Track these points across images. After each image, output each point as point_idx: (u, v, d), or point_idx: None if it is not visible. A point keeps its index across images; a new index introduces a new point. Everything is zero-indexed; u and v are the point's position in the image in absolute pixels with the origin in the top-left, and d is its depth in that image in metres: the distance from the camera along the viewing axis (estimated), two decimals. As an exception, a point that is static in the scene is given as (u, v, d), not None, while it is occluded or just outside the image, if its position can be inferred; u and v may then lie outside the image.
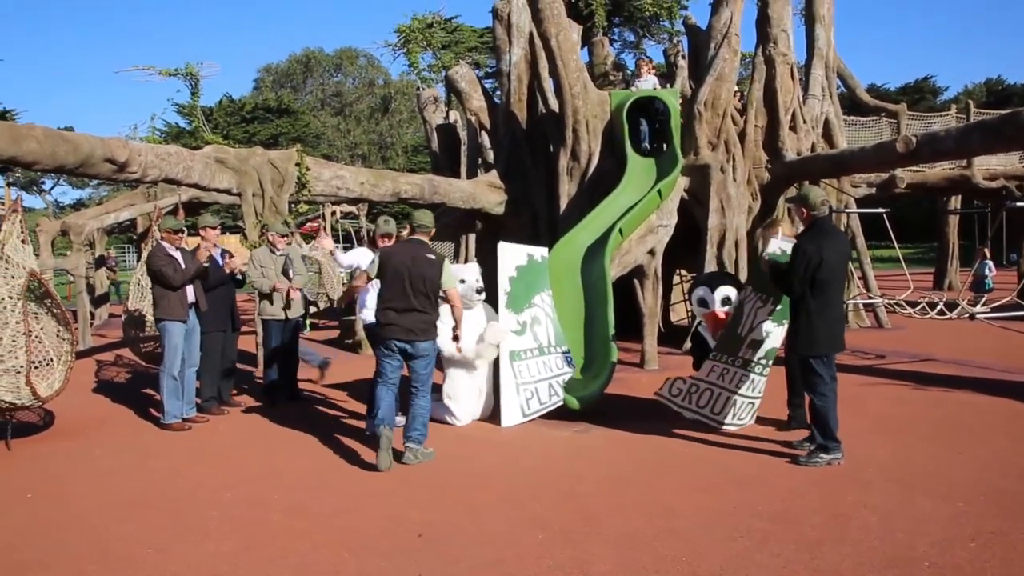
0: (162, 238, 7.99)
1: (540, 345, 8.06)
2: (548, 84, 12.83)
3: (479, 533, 4.86)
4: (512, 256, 8.18)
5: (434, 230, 6.99)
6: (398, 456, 6.42)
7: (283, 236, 8.97)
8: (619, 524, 4.94)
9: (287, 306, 8.78)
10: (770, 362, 7.11)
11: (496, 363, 7.85)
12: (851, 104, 20.65)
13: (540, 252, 8.50)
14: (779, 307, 6.91)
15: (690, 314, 12.85)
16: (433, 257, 6.61)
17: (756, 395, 7.19)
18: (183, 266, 7.79)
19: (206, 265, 8.04)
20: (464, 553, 4.55)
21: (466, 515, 5.18)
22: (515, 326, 7.90)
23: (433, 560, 4.47)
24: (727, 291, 7.64)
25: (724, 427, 7.15)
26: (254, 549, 4.71)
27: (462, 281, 7.86)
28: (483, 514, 5.20)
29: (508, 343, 7.75)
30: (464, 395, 7.79)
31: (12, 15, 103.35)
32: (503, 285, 7.95)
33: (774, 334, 7.01)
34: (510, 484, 5.83)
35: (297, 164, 10.53)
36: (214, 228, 8.55)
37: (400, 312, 6.51)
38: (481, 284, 7.97)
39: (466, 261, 13.94)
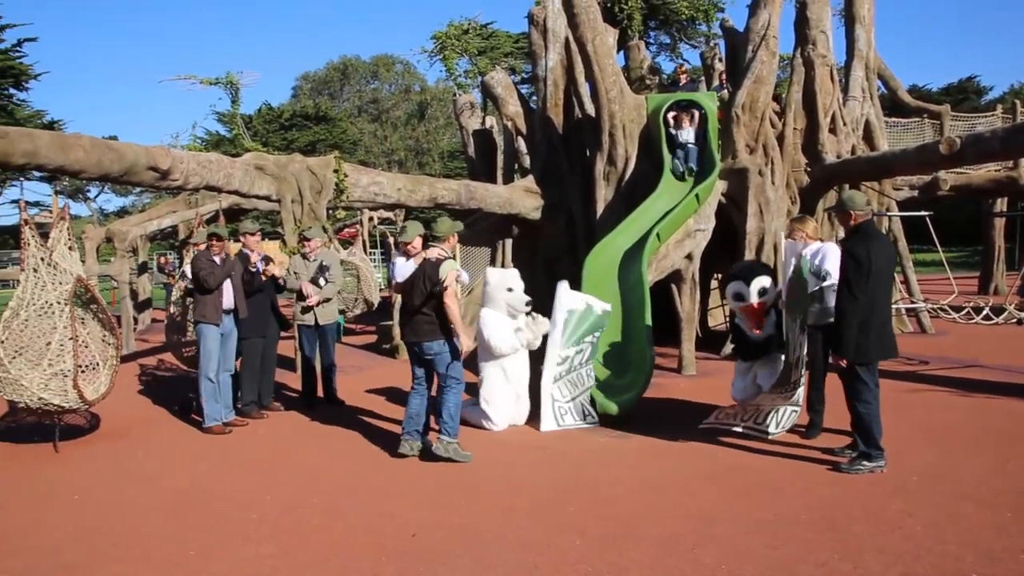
0: (209, 246, 8.14)
1: (574, 368, 8.01)
2: (584, 88, 12.83)
3: (516, 538, 4.86)
4: (570, 300, 8.03)
5: (453, 236, 7.08)
6: (427, 447, 6.74)
7: (307, 240, 9.07)
8: (657, 530, 4.91)
9: (304, 311, 8.89)
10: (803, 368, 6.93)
11: (533, 369, 7.91)
12: (892, 105, 20.33)
13: (601, 305, 8.21)
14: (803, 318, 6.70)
15: (727, 316, 12.75)
16: (434, 259, 6.74)
17: (798, 402, 7.11)
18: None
19: (253, 270, 8.19)
20: (500, 558, 4.56)
21: (503, 520, 5.18)
22: (557, 359, 7.87)
23: (470, 564, 4.48)
24: (762, 281, 7.54)
25: (770, 436, 7.07)
26: (294, 552, 4.76)
27: (510, 289, 7.91)
28: (520, 519, 5.20)
29: (549, 370, 7.78)
30: (501, 399, 7.80)
31: (59, 28, 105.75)
32: (558, 321, 7.90)
33: (804, 342, 6.76)
34: (547, 489, 5.82)
35: (335, 170, 10.64)
36: (253, 234, 8.68)
37: (408, 315, 6.82)
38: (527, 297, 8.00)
39: (502, 267, 13.93)
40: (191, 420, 8.44)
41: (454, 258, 7.09)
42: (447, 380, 6.79)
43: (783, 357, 6.91)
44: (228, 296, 8.01)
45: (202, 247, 8.23)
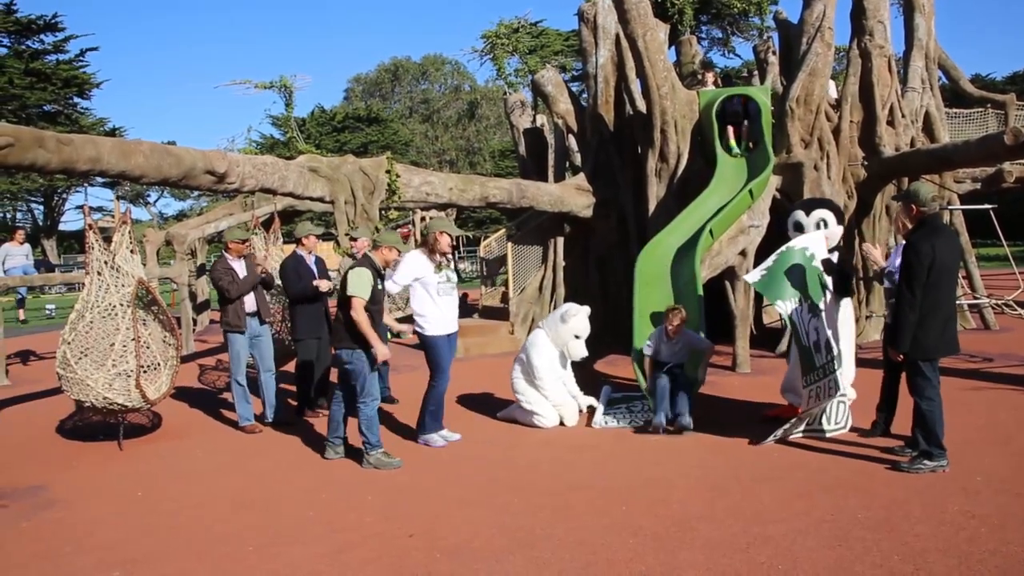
0: (226, 248, 8.27)
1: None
2: (635, 85, 12.73)
3: (569, 538, 4.85)
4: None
5: (385, 248, 7.00)
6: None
7: (354, 240, 9.13)
8: (712, 530, 4.86)
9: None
10: (835, 353, 6.75)
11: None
12: (953, 96, 19.76)
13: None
14: (811, 301, 6.83)
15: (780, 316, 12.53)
16: (351, 266, 6.82)
17: (842, 392, 6.95)
18: (241, 276, 8.06)
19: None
20: (555, 556, 4.56)
21: (556, 519, 5.18)
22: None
23: (524, 563, 4.49)
24: (822, 214, 7.47)
25: (827, 435, 6.94)
26: (349, 550, 4.82)
27: (577, 336, 7.92)
28: (573, 518, 5.19)
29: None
30: (542, 401, 7.86)
31: (119, 36, 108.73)
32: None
33: (820, 329, 6.75)
34: (600, 488, 5.80)
35: (387, 171, 10.74)
36: (308, 237, 8.79)
37: (335, 321, 6.89)
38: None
39: (554, 265, 13.90)
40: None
41: (384, 266, 7.04)
42: (357, 393, 6.73)
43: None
44: (250, 300, 8.12)
45: (237, 249, 8.22)
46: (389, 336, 9.71)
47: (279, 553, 4.82)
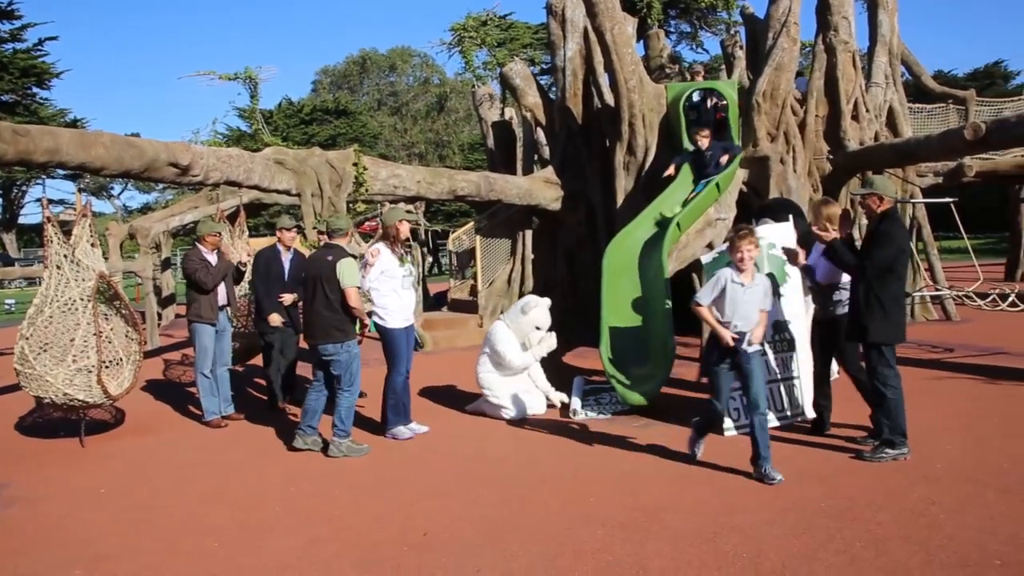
0: (201, 239, 8.17)
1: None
2: (603, 79, 12.76)
3: (538, 529, 4.86)
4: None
5: (351, 231, 7.21)
6: (325, 447, 6.86)
7: (323, 233, 9.06)
8: (679, 520, 4.89)
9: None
10: (786, 336, 7.11)
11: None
12: (917, 91, 20.05)
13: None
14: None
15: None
16: (331, 258, 6.73)
17: (793, 374, 7.14)
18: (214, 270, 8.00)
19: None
20: (522, 548, 4.57)
21: (526, 512, 5.19)
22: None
23: (492, 555, 4.49)
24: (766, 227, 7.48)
25: (789, 421, 7.06)
26: (319, 544, 4.80)
27: (537, 328, 7.93)
28: (542, 510, 5.20)
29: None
30: (505, 390, 7.90)
31: (80, 26, 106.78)
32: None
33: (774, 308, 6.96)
34: (569, 480, 5.83)
35: (355, 164, 10.67)
36: (290, 230, 8.71)
37: (309, 314, 6.86)
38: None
39: (523, 258, 13.91)
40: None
41: (354, 256, 7.11)
42: (341, 383, 6.80)
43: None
44: (221, 293, 8.07)
45: (211, 241, 8.14)
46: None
47: (248, 548, 4.78)
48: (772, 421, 7.04)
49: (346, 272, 6.65)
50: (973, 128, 9.61)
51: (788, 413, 7.11)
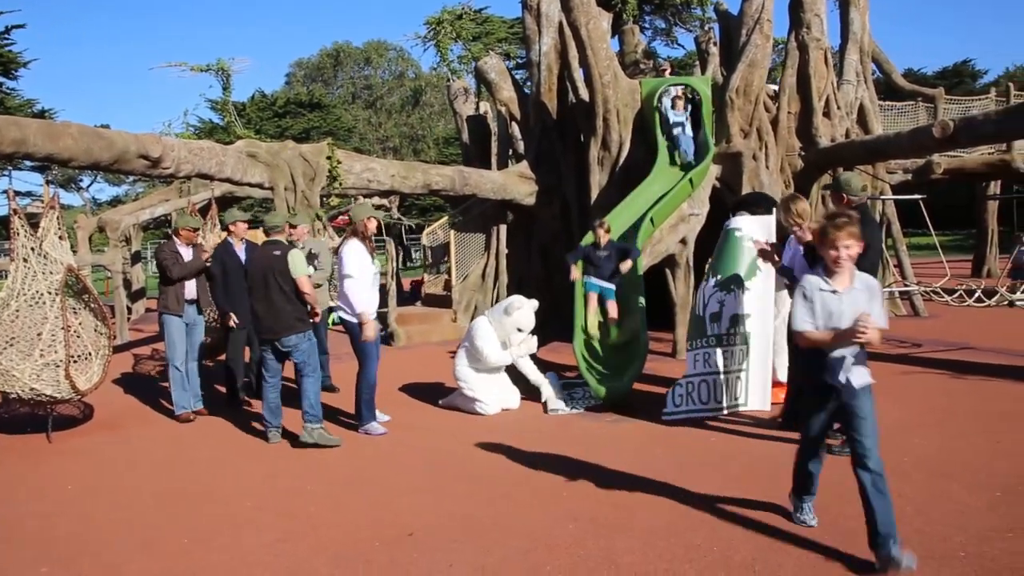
0: (176, 233, 8.12)
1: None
2: (578, 73, 12.78)
3: (510, 524, 4.87)
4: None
5: (286, 226, 7.43)
6: (296, 437, 6.92)
7: (293, 227, 9.00)
8: (650, 515, 4.92)
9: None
10: (740, 329, 7.21)
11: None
12: (887, 89, 20.29)
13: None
14: (721, 276, 7.27)
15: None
16: (279, 253, 6.91)
17: (739, 368, 7.23)
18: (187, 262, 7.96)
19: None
20: (495, 543, 4.57)
21: (499, 507, 5.20)
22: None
23: (465, 550, 4.49)
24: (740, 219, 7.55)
25: (726, 411, 7.20)
26: (292, 540, 4.77)
27: (519, 329, 8.00)
28: (515, 505, 5.21)
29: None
30: (483, 385, 7.90)
31: (48, 15, 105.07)
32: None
33: (728, 303, 7.20)
34: (541, 475, 5.83)
35: (328, 157, 10.60)
36: (243, 223, 8.67)
37: (266, 310, 6.91)
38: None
39: (497, 253, 13.90)
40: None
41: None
42: (305, 368, 6.90)
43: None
44: (190, 287, 8.02)
45: (186, 235, 8.13)
46: (331, 322, 9.64)
47: (220, 544, 4.74)
48: (704, 412, 7.24)
49: (296, 263, 6.87)
50: (942, 126, 9.75)
51: (723, 404, 7.23)
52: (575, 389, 8.49)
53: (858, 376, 4.20)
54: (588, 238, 9.14)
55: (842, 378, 4.18)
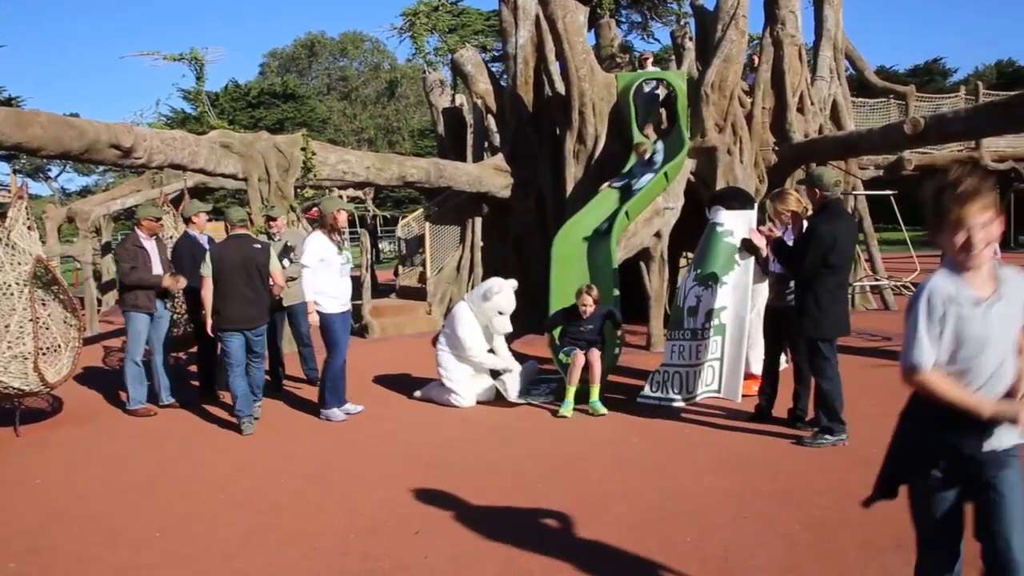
0: (138, 224, 8.00)
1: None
2: (554, 67, 12.78)
3: (485, 515, 4.88)
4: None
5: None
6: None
7: (272, 219, 8.93)
8: (625, 505, 4.95)
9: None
10: (715, 322, 7.24)
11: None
12: (860, 86, 20.48)
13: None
14: (700, 271, 7.39)
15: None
16: (259, 246, 7.31)
17: (713, 356, 7.27)
18: (154, 257, 7.85)
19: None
20: (471, 535, 4.57)
21: (474, 499, 5.19)
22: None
23: (439, 543, 4.49)
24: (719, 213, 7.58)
25: (699, 397, 7.26)
26: (262, 532, 4.74)
27: (500, 313, 7.97)
28: (490, 497, 5.21)
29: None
30: (463, 378, 7.87)
31: (17, 2, 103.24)
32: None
33: (705, 297, 7.30)
34: (517, 468, 5.85)
35: (303, 148, 10.53)
36: (206, 213, 8.65)
37: (249, 299, 7.15)
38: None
39: (472, 246, 13.88)
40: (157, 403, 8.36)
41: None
42: (258, 358, 7.39)
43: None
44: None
45: (151, 226, 8.02)
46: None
47: (190, 538, 4.70)
48: (676, 402, 7.33)
49: (275, 257, 7.46)
50: (913, 123, 9.86)
51: (696, 392, 7.27)
52: (539, 385, 8.42)
53: (1009, 437, 2.62)
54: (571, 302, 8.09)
55: (990, 446, 2.61)
